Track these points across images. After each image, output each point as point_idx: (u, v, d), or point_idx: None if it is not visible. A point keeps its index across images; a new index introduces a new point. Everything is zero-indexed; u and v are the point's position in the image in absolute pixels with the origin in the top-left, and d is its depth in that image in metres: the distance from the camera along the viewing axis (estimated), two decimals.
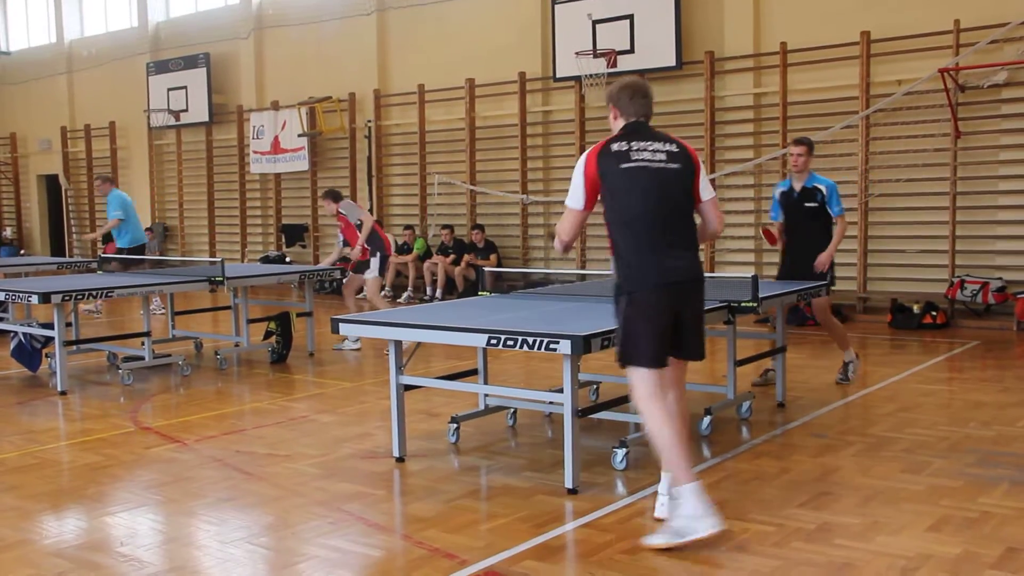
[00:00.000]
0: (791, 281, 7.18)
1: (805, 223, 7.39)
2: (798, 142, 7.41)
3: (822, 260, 7.30)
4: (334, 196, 10.08)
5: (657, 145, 4.25)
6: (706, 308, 5.56)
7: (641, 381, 4.19)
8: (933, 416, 6.49)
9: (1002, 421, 6.31)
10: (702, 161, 5.05)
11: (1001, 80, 10.72)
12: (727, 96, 12.80)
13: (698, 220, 4.43)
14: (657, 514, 4.36)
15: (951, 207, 11.17)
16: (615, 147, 4.26)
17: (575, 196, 4.32)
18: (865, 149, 11.63)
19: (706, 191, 4.33)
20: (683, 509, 4.04)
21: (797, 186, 7.42)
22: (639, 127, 4.31)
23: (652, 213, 4.19)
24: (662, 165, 4.22)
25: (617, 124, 4.38)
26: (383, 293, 11.85)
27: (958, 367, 8.68)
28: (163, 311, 10.88)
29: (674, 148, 4.28)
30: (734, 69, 12.72)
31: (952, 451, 5.56)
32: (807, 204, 7.33)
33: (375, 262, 9.79)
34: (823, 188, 7.32)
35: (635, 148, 4.23)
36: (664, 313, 4.18)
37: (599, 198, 4.31)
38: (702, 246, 4.82)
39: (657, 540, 4.04)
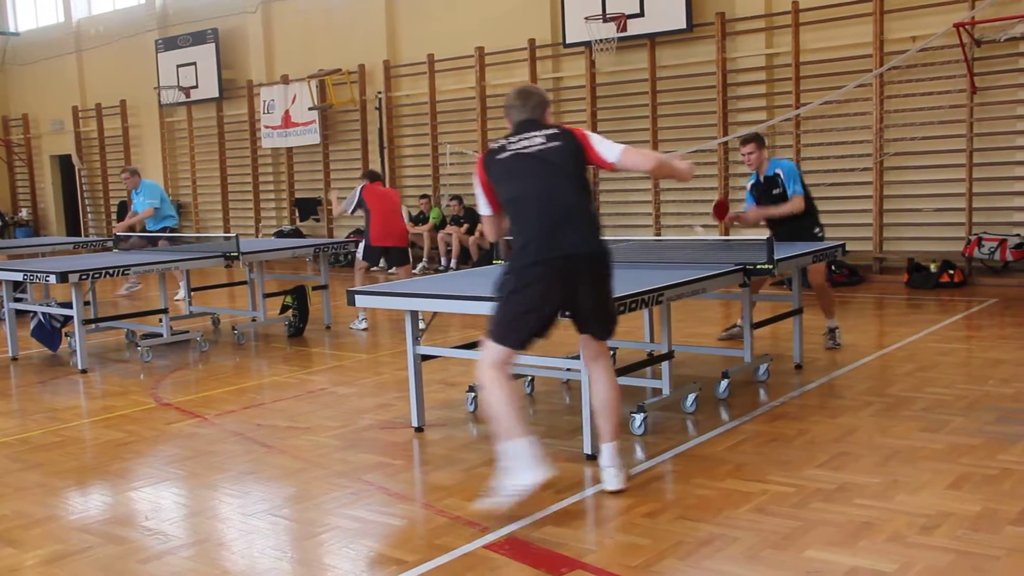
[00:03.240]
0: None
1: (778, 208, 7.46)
2: (744, 141, 7.52)
3: (760, 214, 7.45)
4: (370, 176, 10.00)
5: (534, 134, 4.33)
6: (712, 274, 5.60)
7: (490, 351, 4.23)
8: (951, 375, 6.47)
9: (1021, 378, 6.29)
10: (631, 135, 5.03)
11: (1018, 33, 10.56)
12: (739, 58, 12.67)
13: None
14: (613, 487, 4.34)
15: (967, 164, 11.06)
16: (495, 147, 4.44)
17: (480, 204, 4.53)
18: (879, 107, 11.52)
19: (609, 152, 4.33)
20: (516, 462, 4.09)
21: (761, 176, 7.49)
22: (523, 125, 4.40)
23: (531, 192, 4.23)
24: (539, 148, 4.29)
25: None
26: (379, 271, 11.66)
27: (976, 325, 8.64)
28: (180, 298, 10.93)
29: (552, 131, 4.35)
30: (745, 30, 12.58)
31: (971, 409, 5.55)
32: (774, 191, 7.41)
33: (360, 246, 9.83)
34: (781, 172, 7.39)
35: (512, 142, 4.36)
36: (547, 291, 4.15)
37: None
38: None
39: (489, 502, 4.12)
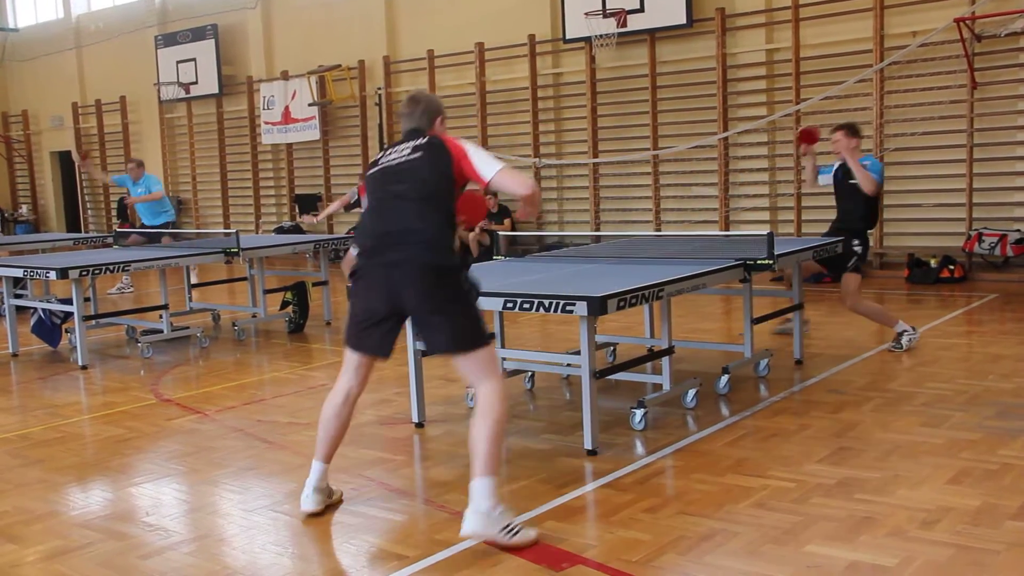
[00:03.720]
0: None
1: (846, 199, 7.41)
2: (835, 129, 7.43)
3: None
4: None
5: (407, 144, 4.18)
6: (712, 269, 5.58)
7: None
8: (952, 370, 6.47)
9: (1021, 374, 6.29)
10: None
11: (1019, 28, 10.55)
12: (739, 53, 12.66)
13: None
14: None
15: (968, 159, 11.05)
16: (372, 161, 4.35)
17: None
18: (880, 103, 11.51)
19: (487, 168, 4.04)
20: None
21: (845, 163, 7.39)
22: (407, 136, 4.25)
23: (380, 201, 4.12)
24: (403, 159, 4.13)
25: None
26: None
27: (976, 320, 8.64)
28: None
29: (424, 141, 4.15)
30: (746, 25, 12.57)
31: (971, 404, 5.55)
32: (850, 180, 7.25)
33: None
34: (866, 164, 7.27)
35: (385, 155, 4.24)
36: (373, 298, 4.05)
37: None
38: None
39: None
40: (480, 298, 4.12)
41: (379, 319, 4.06)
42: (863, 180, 7.11)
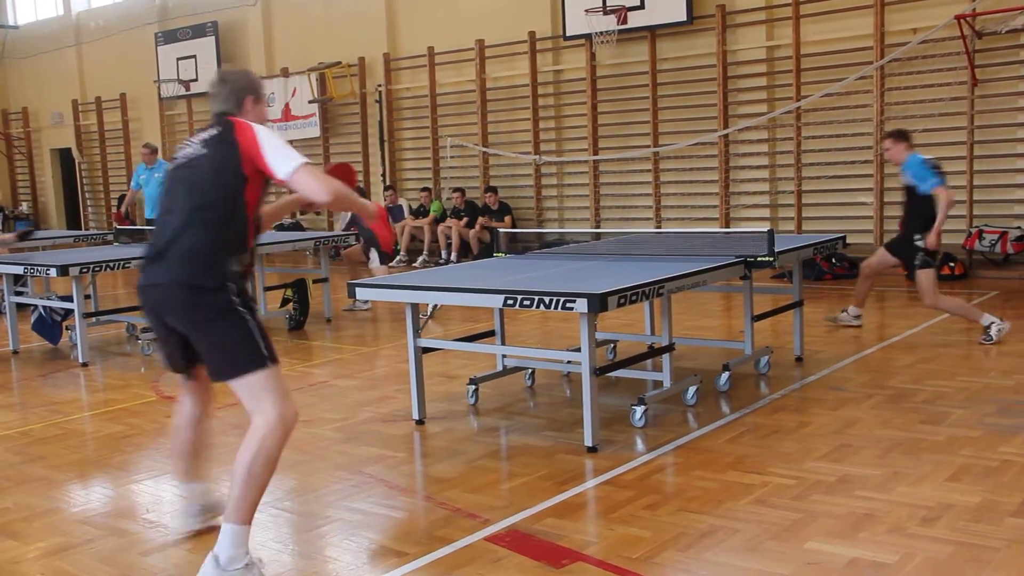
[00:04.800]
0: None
1: (908, 202, 7.54)
2: (884, 137, 7.72)
3: (930, 240, 7.23)
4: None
5: (200, 135, 3.62)
6: (713, 266, 5.57)
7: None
8: (952, 367, 6.47)
9: (1021, 371, 6.29)
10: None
11: (1020, 24, 10.53)
12: (739, 50, 12.65)
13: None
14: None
15: (968, 156, 11.04)
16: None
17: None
18: (880, 100, 11.50)
19: (281, 164, 3.45)
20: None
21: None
22: (211, 121, 3.71)
23: (160, 210, 3.65)
24: (190, 155, 3.59)
25: None
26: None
27: None
28: None
29: (215, 132, 3.58)
30: (746, 22, 12.56)
31: (971, 401, 5.55)
32: (908, 184, 7.46)
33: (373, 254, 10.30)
34: (907, 171, 7.44)
35: (181, 148, 3.71)
36: (152, 320, 3.69)
37: None
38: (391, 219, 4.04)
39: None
40: (252, 311, 3.58)
41: (164, 337, 3.72)
42: (943, 203, 7.26)
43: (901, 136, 7.56)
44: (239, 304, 3.50)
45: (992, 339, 7.15)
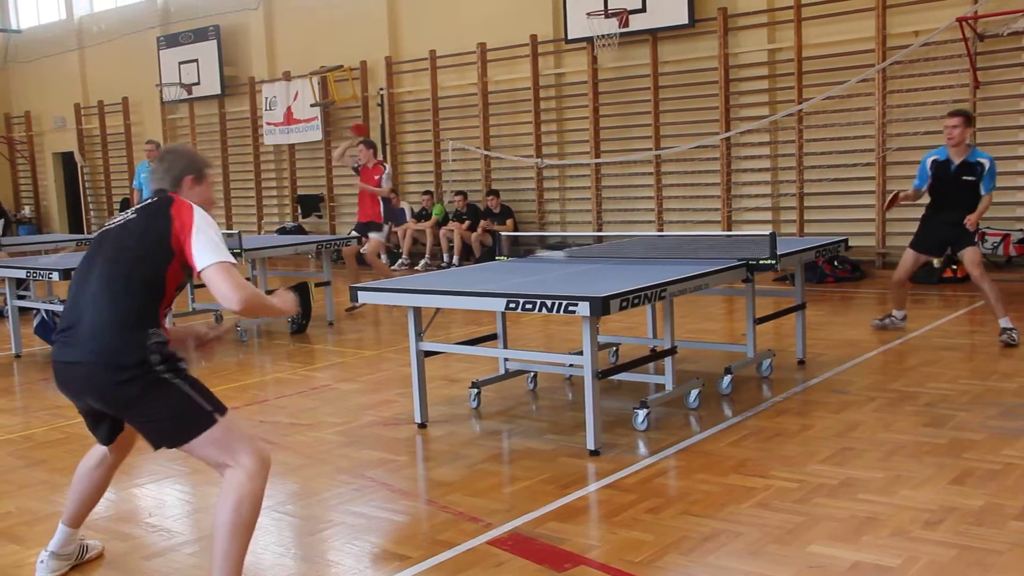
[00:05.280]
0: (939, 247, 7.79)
1: (959, 195, 7.37)
2: (953, 114, 7.36)
3: (972, 219, 7.25)
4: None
5: (138, 206, 3.47)
6: (715, 269, 5.57)
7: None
8: (955, 370, 6.46)
9: None
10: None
11: (1021, 27, 10.53)
12: (741, 53, 12.65)
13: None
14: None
15: None
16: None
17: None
18: (882, 102, 11.50)
19: (203, 256, 3.24)
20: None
21: (956, 159, 7.37)
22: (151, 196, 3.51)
23: (76, 276, 3.42)
24: (117, 223, 3.42)
25: None
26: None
27: (979, 320, 8.62)
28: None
29: (151, 202, 3.41)
30: (747, 25, 12.56)
31: (974, 404, 5.54)
32: (965, 178, 7.31)
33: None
34: (985, 163, 7.33)
35: (114, 217, 3.54)
36: (71, 397, 3.41)
37: None
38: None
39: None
40: (181, 372, 3.28)
41: (85, 412, 3.48)
42: (984, 207, 7.31)
43: (969, 121, 7.43)
44: (164, 372, 3.21)
45: (1015, 342, 7.14)
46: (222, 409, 3.30)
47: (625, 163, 13.62)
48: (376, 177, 10.44)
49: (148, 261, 3.27)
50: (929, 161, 7.52)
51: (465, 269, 7.05)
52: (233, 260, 3.30)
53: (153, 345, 3.22)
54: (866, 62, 11.53)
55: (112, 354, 3.18)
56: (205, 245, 3.25)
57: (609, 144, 13.83)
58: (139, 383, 3.18)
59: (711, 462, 4.71)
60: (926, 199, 7.73)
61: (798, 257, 6.55)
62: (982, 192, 7.34)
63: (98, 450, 3.70)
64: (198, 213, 3.33)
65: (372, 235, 10.46)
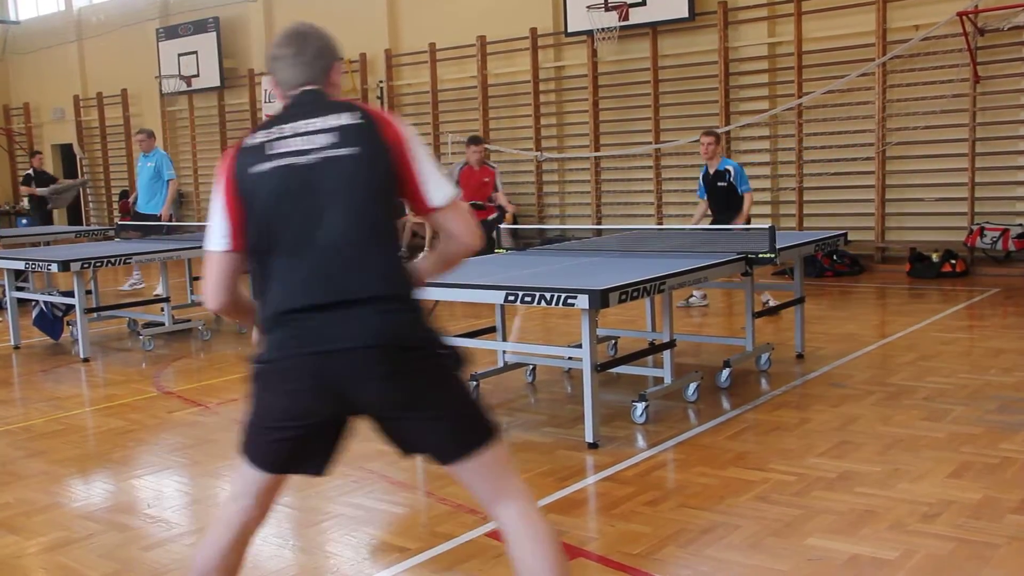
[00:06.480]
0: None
1: (721, 199, 8.62)
2: (706, 133, 8.76)
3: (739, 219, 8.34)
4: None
5: (317, 122, 2.47)
6: (714, 262, 5.59)
7: (237, 476, 2.74)
8: (953, 364, 6.47)
9: (1022, 368, 6.28)
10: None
11: (1022, 22, 10.51)
12: (741, 47, 12.63)
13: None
14: None
15: (970, 153, 11.03)
16: (252, 141, 2.51)
17: (213, 232, 2.54)
18: (882, 96, 11.48)
19: (437, 190, 2.51)
20: None
21: (711, 169, 8.68)
22: (300, 100, 2.57)
23: (294, 238, 2.43)
24: (320, 156, 2.44)
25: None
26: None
27: (978, 315, 8.63)
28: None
29: (349, 120, 2.47)
30: (748, 19, 12.54)
31: (972, 398, 5.55)
32: (719, 184, 8.57)
33: None
34: (731, 169, 8.58)
35: (278, 137, 2.49)
36: (298, 401, 2.48)
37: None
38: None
39: None
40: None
41: (294, 423, 2.55)
42: (746, 208, 8.54)
43: (719, 138, 8.72)
44: (449, 349, 2.52)
45: None
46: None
47: (625, 156, 13.60)
48: None
49: (384, 199, 2.50)
50: (701, 176, 8.85)
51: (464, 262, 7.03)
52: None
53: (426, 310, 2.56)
54: (866, 56, 11.51)
55: (408, 325, 2.47)
56: (434, 175, 2.56)
57: (609, 137, 13.81)
58: (435, 363, 2.49)
59: (710, 455, 4.71)
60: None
61: (797, 251, 6.55)
62: (739, 191, 8.50)
63: (237, 519, 2.68)
64: (408, 131, 2.54)
65: None
